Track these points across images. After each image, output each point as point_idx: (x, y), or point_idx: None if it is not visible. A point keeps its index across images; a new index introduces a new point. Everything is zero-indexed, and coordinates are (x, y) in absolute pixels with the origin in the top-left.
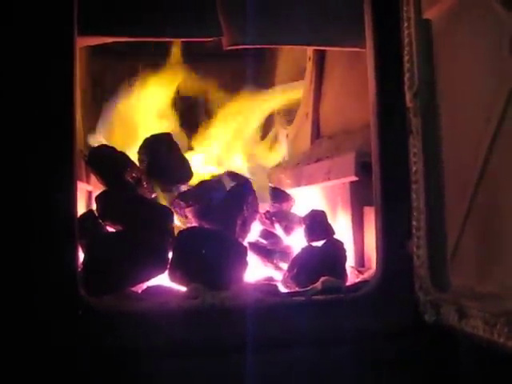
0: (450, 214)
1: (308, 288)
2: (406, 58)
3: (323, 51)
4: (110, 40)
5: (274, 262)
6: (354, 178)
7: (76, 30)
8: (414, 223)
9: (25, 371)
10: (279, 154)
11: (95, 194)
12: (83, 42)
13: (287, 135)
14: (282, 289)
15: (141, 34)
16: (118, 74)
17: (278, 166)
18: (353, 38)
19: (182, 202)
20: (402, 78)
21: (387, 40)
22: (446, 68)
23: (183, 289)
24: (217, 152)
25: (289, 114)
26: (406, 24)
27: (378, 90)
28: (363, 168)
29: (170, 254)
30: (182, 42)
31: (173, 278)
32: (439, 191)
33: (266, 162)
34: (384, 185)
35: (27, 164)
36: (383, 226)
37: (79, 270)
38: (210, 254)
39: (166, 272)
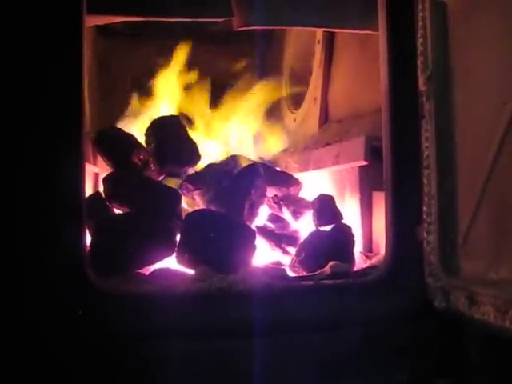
0: (461, 200)
1: (316, 272)
2: (420, 41)
3: (332, 34)
4: (118, 19)
5: (282, 246)
6: (363, 163)
7: (85, 8)
8: (425, 209)
9: (29, 350)
10: (286, 138)
11: (102, 175)
12: (91, 21)
13: (295, 119)
14: (290, 273)
15: (150, 14)
16: (123, 55)
17: (286, 150)
18: (365, 20)
19: (189, 185)
20: (415, 62)
21: (401, 22)
22: (461, 51)
23: (191, 272)
24: (224, 135)
25: (296, 97)
26: (420, 6)
27: (390, 74)
28: (373, 152)
29: (178, 237)
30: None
31: (180, 260)
32: (451, 177)
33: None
34: (395, 169)
35: (35, 145)
36: (393, 211)
37: (86, 251)
38: (218, 237)
39: (174, 255)
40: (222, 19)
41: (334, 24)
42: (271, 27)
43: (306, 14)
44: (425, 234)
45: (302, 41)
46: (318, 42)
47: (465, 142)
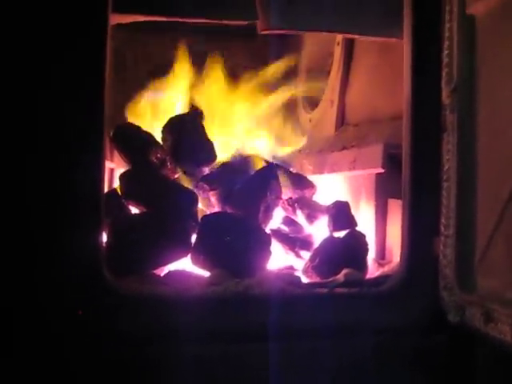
0: (481, 216)
1: (330, 279)
2: (446, 52)
3: None
4: (142, 19)
5: (296, 249)
6: (381, 170)
7: (110, 7)
8: (443, 221)
9: (43, 351)
10: (301, 139)
11: (118, 171)
12: (116, 19)
13: (310, 120)
14: (304, 278)
15: (175, 14)
16: (138, 48)
17: (300, 151)
18: (388, 27)
19: (205, 185)
20: (439, 73)
21: (427, 33)
22: (488, 66)
23: (206, 273)
24: (239, 135)
25: (312, 97)
26: (447, 17)
27: (413, 83)
28: (390, 160)
29: (193, 238)
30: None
31: (195, 261)
32: (472, 191)
33: (288, 147)
34: (414, 180)
35: (53, 140)
36: (410, 221)
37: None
38: (235, 241)
39: (189, 256)
40: (246, 22)
41: (358, 31)
42: (296, 32)
43: (331, 20)
44: (441, 247)
45: (319, 41)
46: (338, 44)
47: (487, 157)
